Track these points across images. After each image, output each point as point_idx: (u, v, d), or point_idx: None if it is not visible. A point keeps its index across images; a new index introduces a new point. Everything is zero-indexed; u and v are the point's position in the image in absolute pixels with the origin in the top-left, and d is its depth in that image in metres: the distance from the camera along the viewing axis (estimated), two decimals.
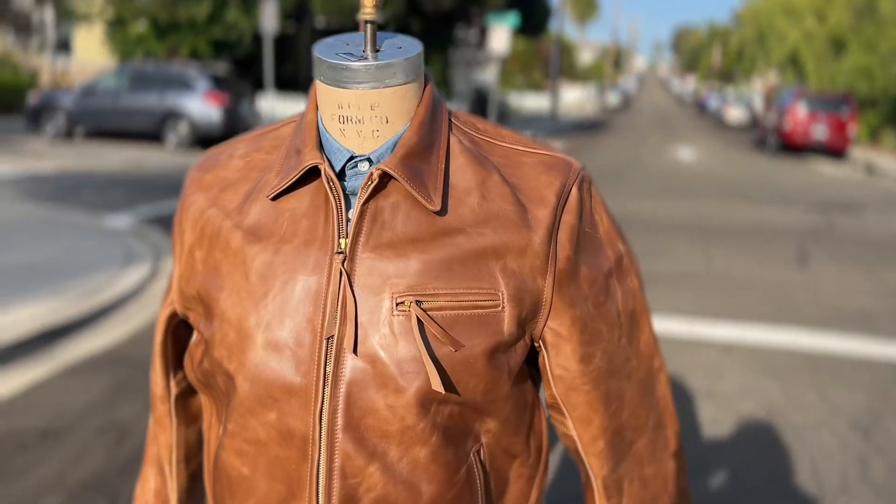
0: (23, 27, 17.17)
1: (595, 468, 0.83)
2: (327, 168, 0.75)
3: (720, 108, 33.31)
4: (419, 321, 0.71)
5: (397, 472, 0.73)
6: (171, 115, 12.38)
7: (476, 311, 0.73)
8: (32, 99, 12.70)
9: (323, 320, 0.73)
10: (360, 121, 0.77)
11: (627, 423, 0.83)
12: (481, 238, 0.74)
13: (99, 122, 12.59)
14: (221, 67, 13.91)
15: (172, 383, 0.91)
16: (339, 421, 0.72)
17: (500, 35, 18.52)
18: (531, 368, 0.84)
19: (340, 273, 0.73)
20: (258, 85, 18.06)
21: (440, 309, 0.72)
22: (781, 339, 4.44)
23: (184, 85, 12.52)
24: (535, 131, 19.19)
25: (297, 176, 0.76)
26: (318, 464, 0.73)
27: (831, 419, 3.38)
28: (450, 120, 0.82)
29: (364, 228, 0.74)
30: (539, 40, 36.79)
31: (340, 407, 0.72)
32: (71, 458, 2.72)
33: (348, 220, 0.75)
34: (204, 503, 0.99)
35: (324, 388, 0.72)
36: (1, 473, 2.59)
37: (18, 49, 17.32)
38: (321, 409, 0.72)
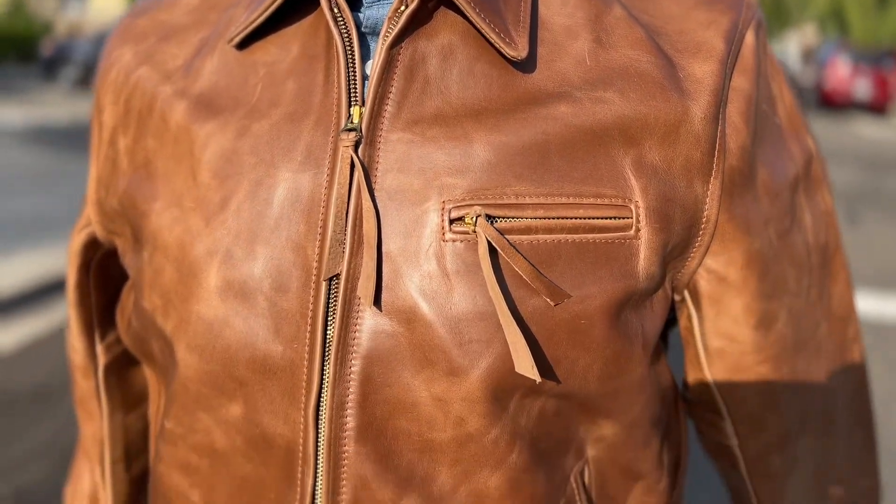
0: None
1: (764, 496, 0.52)
2: None
3: None
4: (492, 250, 0.40)
5: None
6: None
7: (591, 235, 0.41)
8: (46, 49, 12.47)
9: (321, 249, 0.42)
10: None
11: (813, 426, 0.51)
12: (599, 108, 0.42)
13: None
14: None
15: (100, 349, 0.60)
16: (349, 422, 0.41)
17: None
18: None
19: (352, 166, 0.41)
20: None
21: (528, 231, 0.41)
22: None
23: None
24: None
25: (277, 4, 0.44)
26: (313, 494, 0.43)
27: None
28: None
29: (393, 90, 0.42)
30: None
31: (351, 399, 0.41)
32: (62, 422, 2.49)
33: (366, 76, 0.43)
34: None
35: (322, 367, 0.41)
36: None
37: None
38: (318, 401, 0.42)
